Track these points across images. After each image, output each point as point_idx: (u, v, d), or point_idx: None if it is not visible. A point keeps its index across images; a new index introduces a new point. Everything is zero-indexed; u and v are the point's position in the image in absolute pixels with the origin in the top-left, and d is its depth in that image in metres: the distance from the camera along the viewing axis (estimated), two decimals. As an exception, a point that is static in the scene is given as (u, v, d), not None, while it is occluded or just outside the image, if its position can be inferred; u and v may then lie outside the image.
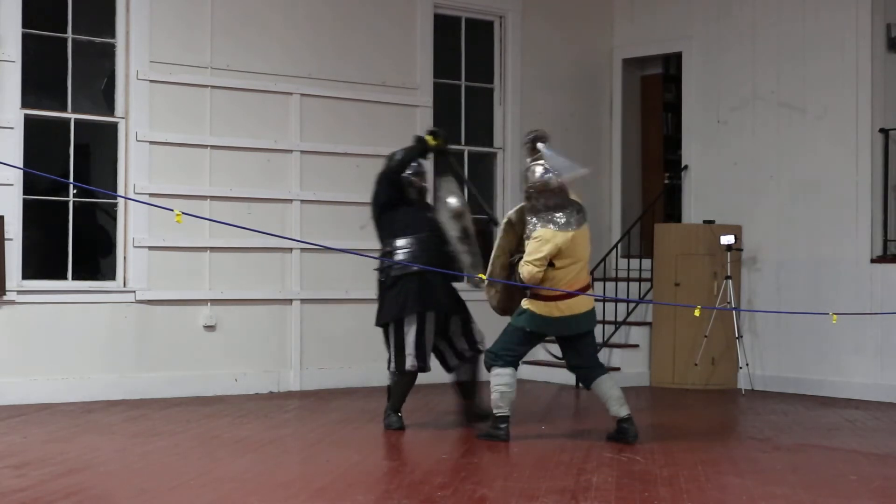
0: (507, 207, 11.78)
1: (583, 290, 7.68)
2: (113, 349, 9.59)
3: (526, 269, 7.51)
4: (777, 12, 11.12)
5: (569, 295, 7.56)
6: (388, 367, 8.23)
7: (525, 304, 7.69)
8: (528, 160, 7.95)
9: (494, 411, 7.74)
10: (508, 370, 7.71)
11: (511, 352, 7.71)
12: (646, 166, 12.88)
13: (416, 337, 8.03)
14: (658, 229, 11.46)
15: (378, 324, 8.25)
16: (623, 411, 7.63)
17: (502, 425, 7.70)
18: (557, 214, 7.62)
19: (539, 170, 7.78)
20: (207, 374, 9.95)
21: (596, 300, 11.03)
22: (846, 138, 10.58)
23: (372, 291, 10.79)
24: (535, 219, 7.64)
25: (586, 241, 7.75)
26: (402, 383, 8.17)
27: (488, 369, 7.81)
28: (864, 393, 10.23)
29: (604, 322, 11.22)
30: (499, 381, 7.70)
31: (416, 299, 7.98)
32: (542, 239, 7.53)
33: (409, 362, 8.04)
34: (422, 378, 10.98)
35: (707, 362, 10.87)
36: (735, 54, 11.45)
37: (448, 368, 8.39)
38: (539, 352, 11.81)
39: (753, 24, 11.31)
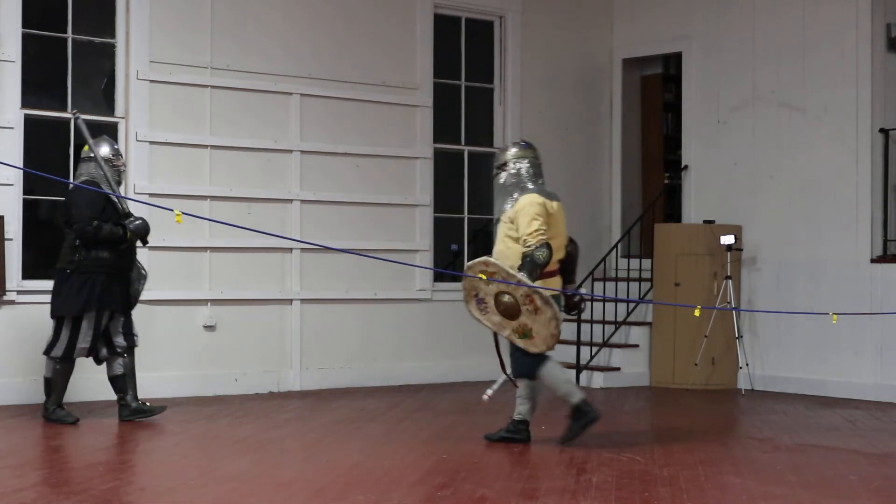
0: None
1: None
2: (113, 349, 9.57)
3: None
4: (777, 12, 11.12)
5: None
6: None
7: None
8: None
9: (573, 400, 7.53)
10: (551, 363, 7.55)
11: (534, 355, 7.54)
12: (646, 166, 12.89)
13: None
14: (658, 229, 11.46)
15: None
16: (529, 416, 7.69)
17: (587, 406, 7.51)
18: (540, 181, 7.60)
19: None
20: (207, 374, 9.94)
21: (596, 300, 11.17)
22: (846, 138, 10.58)
23: (372, 291, 10.83)
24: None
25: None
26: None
27: (532, 378, 7.61)
28: (864, 393, 10.23)
29: (604, 322, 11.23)
30: (555, 375, 7.57)
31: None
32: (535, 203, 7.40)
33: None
34: (422, 378, 11.05)
35: (707, 362, 10.87)
36: (735, 54, 11.45)
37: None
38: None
39: (753, 24, 11.32)
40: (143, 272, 8.53)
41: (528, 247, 7.29)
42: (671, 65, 12.99)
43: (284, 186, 10.40)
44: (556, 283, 7.53)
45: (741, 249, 11.10)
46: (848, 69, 10.57)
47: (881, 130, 10.48)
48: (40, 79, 9.71)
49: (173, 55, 9.93)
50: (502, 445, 7.52)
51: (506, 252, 7.45)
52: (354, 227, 10.73)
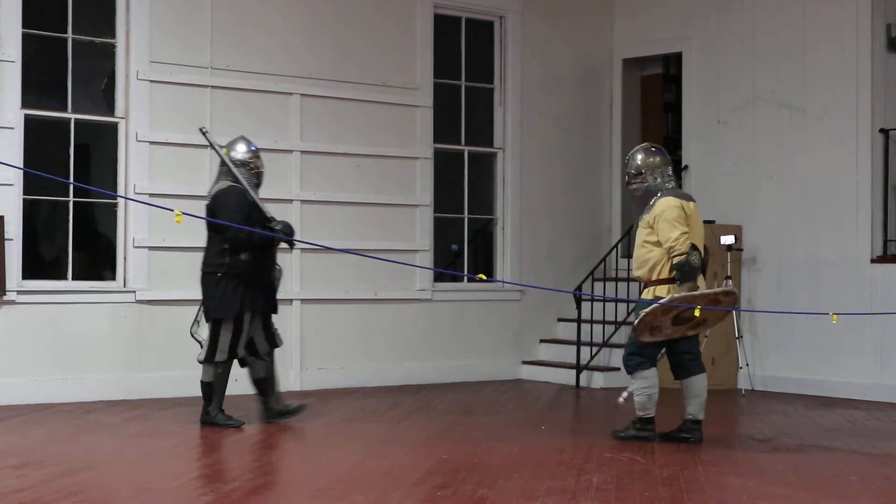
0: (506, 207, 11.80)
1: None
2: (113, 349, 9.59)
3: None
4: (777, 12, 11.12)
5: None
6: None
7: (649, 293, 7.59)
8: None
9: (642, 414, 7.66)
10: (653, 371, 7.66)
11: (649, 348, 7.64)
12: (646, 166, 12.86)
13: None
14: (658, 229, 11.44)
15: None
16: (700, 415, 7.66)
17: (650, 426, 7.68)
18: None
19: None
20: (207, 374, 9.93)
21: (596, 300, 11.17)
22: (846, 138, 10.58)
23: (372, 291, 10.83)
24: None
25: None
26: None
27: (630, 374, 7.72)
28: (864, 393, 10.23)
29: (604, 322, 11.23)
30: (646, 384, 7.63)
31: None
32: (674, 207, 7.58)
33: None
34: (422, 378, 11.05)
35: (707, 362, 10.81)
36: (735, 54, 11.45)
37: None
38: (539, 352, 11.92)
39: (753, 24, 11.31)
40: (280, 272, 8.43)
41: (680, 254, 7.44)
42: (671, 65, 13.00)
43: (284, 186, 10.39)
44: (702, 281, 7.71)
45: (741, 249, 11.10)
46: (848, 69, 10.57)
47: (881, 130, 10.48)
48: (40, 79, 9.71)
49: (173, 55, 9.93)
50: (502, 445, 7.52)
51: (647, 256, 7.64)
52: (354, 227, 10.73)
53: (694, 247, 7.45)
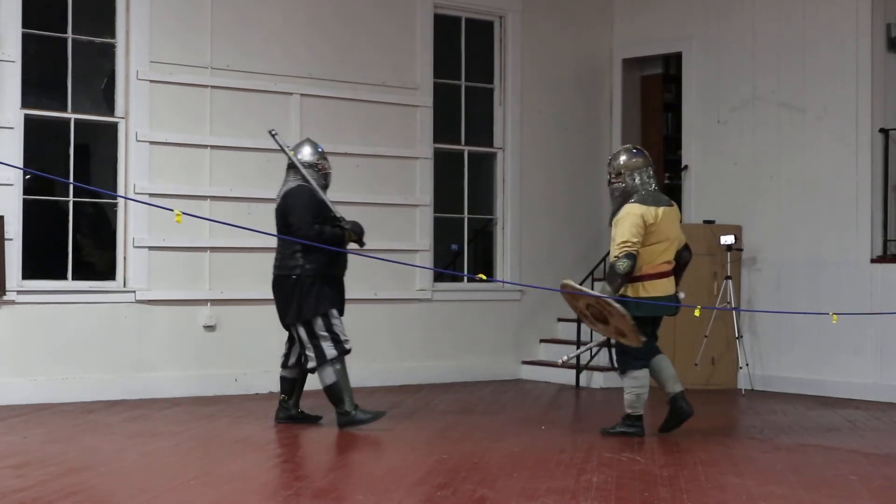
0: (507, 208, 11.81)
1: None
2: (113, 349, 9.59)
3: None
4: (777, 12, 11.12)
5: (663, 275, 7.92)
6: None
7: (628, 293, 7.86)
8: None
9: (630, 412, 7.94)
10: (644, 371, 7.96)
11: (640, 350, 7.88)
12: (646, 166, 12.87)
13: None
14: (658, 229, 11.45)
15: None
16: (678, 387, 7.99)
17: (638, 423, 7.94)
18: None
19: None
20: (207, 374, 9.94)
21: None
22: (846, 138, 10.58)
23: (371, 291, 10.82)
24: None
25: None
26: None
27: (622, 373, 7.99)
28: (864, 393, 10.23)
29: (604, 322, 11.22)
30: (636, 384, 7.92)
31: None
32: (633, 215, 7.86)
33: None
34: (422, 378, 11.05)
35: (707, 362, 10.87)
36: (735, 54, 11.45)
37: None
38: (539, 352, 11.92)
39: (753, 24, 11.31)
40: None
41: (615, 257, 7.83)
42: (671, 65, 12.99)
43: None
44: (665, 284, 7.96)
45: (741, 249, 11.10)
46: (848, 69, 10.57)
47: (881, 130, 10.48)
48: (40, 79, 9.72)
49: (173, 55, 9.93)
50: (502, 445, 7.52)
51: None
52: (354, 227, 10.71)
53: (630, 255, 7.76)
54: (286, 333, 8.28)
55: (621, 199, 8.01)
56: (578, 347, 11.14)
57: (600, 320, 7.89)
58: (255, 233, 7.97)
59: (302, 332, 8.04)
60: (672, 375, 8.01)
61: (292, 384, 8.34)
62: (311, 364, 8.05)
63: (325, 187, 8.32)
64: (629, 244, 7.79)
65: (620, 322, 7.69)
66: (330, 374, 8.01)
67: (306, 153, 8.32)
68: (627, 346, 7.88)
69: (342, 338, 8.06)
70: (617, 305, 7.65)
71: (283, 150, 8.34)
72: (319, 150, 8.40)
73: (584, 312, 8.04)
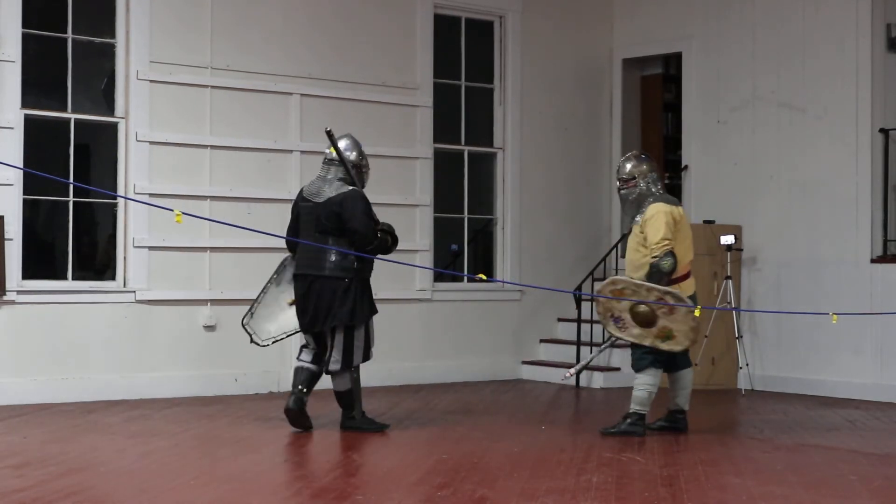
0: (507, 208, 11.80)
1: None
2: (113, 349, 9.59)
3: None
4: (777, 12, 11.12)
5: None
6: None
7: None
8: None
9: (639, 409, 7.97)
10: (660, 371, 8.05)
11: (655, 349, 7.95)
12: (646, 166, 12.87)
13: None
14: (658, 229, 11.45)
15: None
16: (686, 406, 8.14)
17: (642, 422, 7.99)
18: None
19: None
20: (207, 374, 9.94)
21: (595, 300, 11.14)
22: (846, 138, 10.59)
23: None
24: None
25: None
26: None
27: (639, 371, 8.02)
28: (864, 393, 10.23)
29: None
30: (651, 382, 7.98)
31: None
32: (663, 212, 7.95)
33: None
34: (422, 378, 11.05)
35: (707, 362, 10.86)
36: (735, 54, 11.45)
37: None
38: (539, 352, 11.92)
39: (753, 24, 11.32)
40: None
41: (655, 257, 7.85)
42: (671, 65, 13.00)
43: (284, 186, 10.39)
44: (691, 283, 8.13)
45: (741, 249, 11.10)
46: (848, 69, 10.57)
47: (881, 130, 10.48)
48: (40, 79, 9.71)
49: (173, 55, 9.93)
50: (502, 445, 7.52)
51: (642, 260, 8.02)
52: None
53: (671, 253, 7.84)
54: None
55: (637, 202, 8.08)
56: (579, 348, 11.16)
57: (644, 324, 7.85)
58: (255, 233, 7.97)
59: (340, 335, 7.96)
60: (689, 393, 8.19)
61: (313, 378, 8.13)
62: (333, 367, 7.96)
63: (363, 187, 8.23)
64: (668, 242, 7.86)
65: (680, 322, 7.71)
66: (347, 381, 7.98)
67: (353, 154, 8.15)
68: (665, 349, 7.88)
69: (372, 345, 8.13)
70: (688, 302, 7.75)
71: (338, 153, 8.06)
72: (362, 149, 8.27)
73: (619, 315, 7.92)
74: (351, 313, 7.93)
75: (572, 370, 8.46)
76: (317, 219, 7.99)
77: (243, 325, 8.27)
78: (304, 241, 7.99)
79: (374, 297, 10.99)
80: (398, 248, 10.66)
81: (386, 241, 8.15)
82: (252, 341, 8.30)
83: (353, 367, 7.99)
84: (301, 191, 8.24)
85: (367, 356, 8.11)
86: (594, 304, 8.09)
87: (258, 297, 8.35)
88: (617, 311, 7.91)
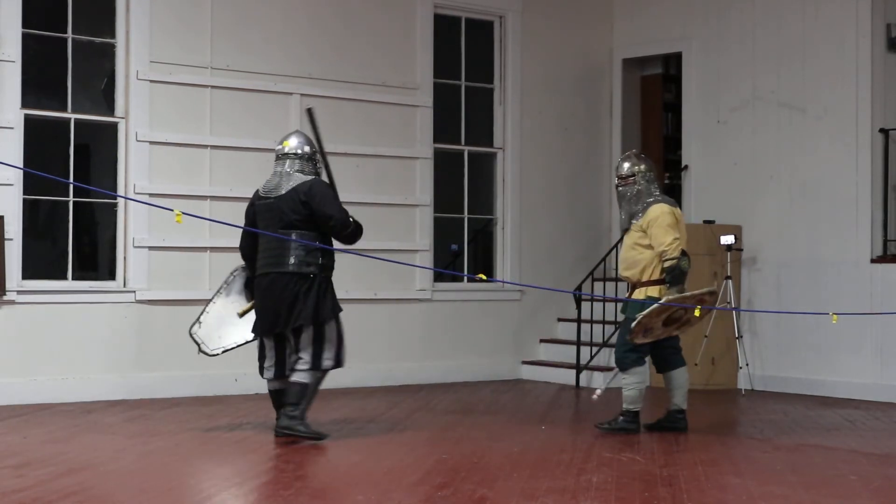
0: (506, 208, 11.80)
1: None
2: (113, 349, 9.59)
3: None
4: (777, 12, 11.13)
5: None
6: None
7: (641, 294, 7.95)
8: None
9: (631, 407, 8.06)
10: (644, 367, 8.12)
11: (641, 346, 8.01)
12: (646, 166, 12.88)
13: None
14: (658, 229, 11.45)
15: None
16: (684, 405, 8.17)
17: (636, 419, 8.08)
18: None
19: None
20: (207, 374, 9.94)
21: (596, 300, 11.17)
22: (846, 138, 10.59)
23: (371, 291, 10.82)
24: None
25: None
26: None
27: (624, 370, 8.08)
28: (864, 393, 10.23)
29: (604, 322, 11.22)
30: (638, 380, 8.05)
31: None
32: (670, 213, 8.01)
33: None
34: (422, 378, 11.05)
35: (707, 362, 10.87)
36: (735, 54, 11.45)
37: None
38: (539, 352, 11.92)
39: (753, 24, 11.32)
40: None
41: (672, 259, 7.87)
42: (671, 65, 13.00)
43: (284, 186, 10.38)
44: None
45: (741, 249, 11.11)
46: (848, 69, 10.57)
47: (881, 130, 10.48)
48: (40, 79, 9.72)
49: (173, 55, 9.93)
50: (502, 445, 7.52)
51: (637, 258, 8.02)
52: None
53: (684, 252, 7.92)
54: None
55: (636, 200, 8.11)
56: (578, 348, 11.16)
57: (670, 322, 7.90)
58: (255, 233, 7.96)
59: (308, 334, 7.57)
60: (686, 391, 8.21)
61: (281, 395, 7.69)
62: (302, 366, 7.57)
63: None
64: (679, 242, 7.92)
65: (700, 319, 7.83)
66: (308, 376, 7.55)
67: (307, 148, 7.82)
68: (630, 344, 7.93)
69: (344, 349, 7.68)
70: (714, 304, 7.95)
71: (314, 134, 7.79)
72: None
73: (651, 327, 7.83)
74: (315, 310, 7.51)
75: (598, 391, 8.52)
76: (280, 213, 7.60)
77: (190, 334, 7.90)
78: (271, 234, 7.50)
79: (375, 296, 11.05)
80: (398, 248, 10.85)
81: (360, 225, 7.78)
82: (200, 351, 7.94)
83: (321, 370, 7.59)
84: (256, 192, 7.87)
85: (338, 361, 7.65)
86: (630, 326, 7.80)
87: (206, 306, 7.99)
88: (652, 323, 7.84)
